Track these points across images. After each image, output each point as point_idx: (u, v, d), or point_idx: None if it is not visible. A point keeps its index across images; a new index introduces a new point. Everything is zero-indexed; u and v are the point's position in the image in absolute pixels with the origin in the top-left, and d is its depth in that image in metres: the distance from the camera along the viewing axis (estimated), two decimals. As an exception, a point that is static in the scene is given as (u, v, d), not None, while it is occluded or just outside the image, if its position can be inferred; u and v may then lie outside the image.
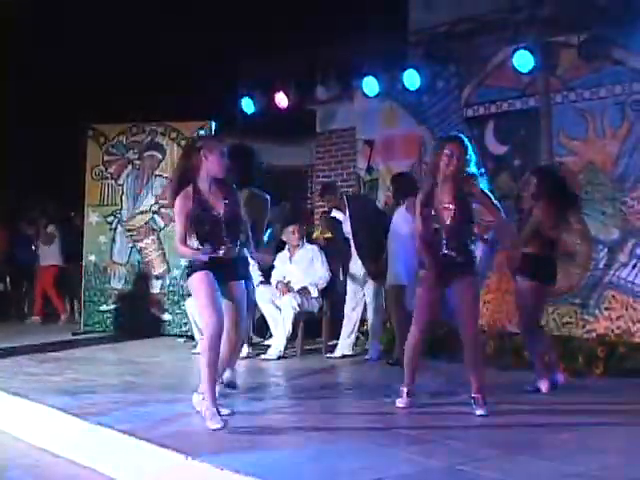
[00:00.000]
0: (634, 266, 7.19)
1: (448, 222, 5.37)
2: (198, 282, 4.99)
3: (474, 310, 5.50)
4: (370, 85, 8.85)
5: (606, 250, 7.39)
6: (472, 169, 5.49)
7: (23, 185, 14.13)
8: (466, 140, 5.50)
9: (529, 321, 6.40)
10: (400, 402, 5.58)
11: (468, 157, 5.45)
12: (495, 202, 5.56)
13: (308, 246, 8.60)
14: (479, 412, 5.29)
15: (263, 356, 8.08)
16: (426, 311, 5.54)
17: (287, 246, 8.56)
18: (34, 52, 13.82)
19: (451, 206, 5.37)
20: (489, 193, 5.58)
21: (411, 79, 8.52)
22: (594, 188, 7.48)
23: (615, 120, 7.37)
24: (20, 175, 14.19)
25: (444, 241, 5.38)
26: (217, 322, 4.90)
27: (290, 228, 8.51)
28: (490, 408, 5.30)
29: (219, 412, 4.86)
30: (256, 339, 8.82)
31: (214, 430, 4.73)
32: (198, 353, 8.44)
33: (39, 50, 13.78)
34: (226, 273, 5.05)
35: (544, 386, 6.28)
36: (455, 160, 5.37)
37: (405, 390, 5.63)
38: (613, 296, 7.28)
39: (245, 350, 8.32)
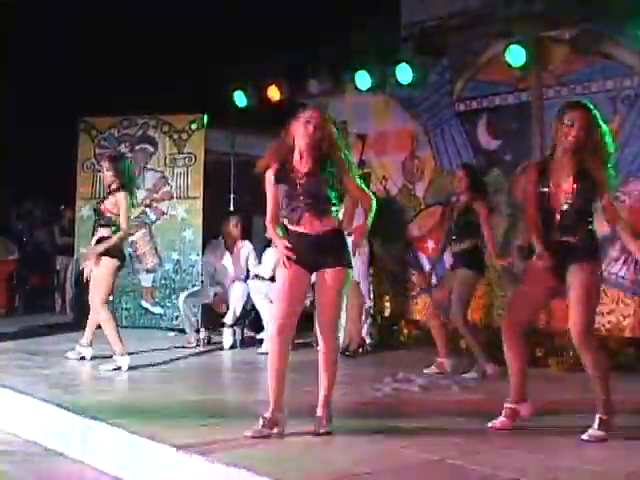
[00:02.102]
0: (625, 261, 7.20)
1: (565, 204, 4.60)
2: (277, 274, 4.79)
3: (581, 302, 4.56)
4: (362, 79, 8.84)
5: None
6: (606, 149, 4.62)
7: (23, 185, 14.12)
8: (592, 108, 4.61)
9: (466, 311, 6.88)
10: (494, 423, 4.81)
11: (595, 128, 4.60)
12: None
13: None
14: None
15: (259, 350, 8.08)
16: (527, 307, 4.83)
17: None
18: (34, 52, 13.78)
19: (570, 186, 4.60)
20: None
21: (403, 73, 8.52)
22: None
23: (607, 115, 7.34)
24: (20, 175, 14.17)
25: (559, 225, 4.62)
26: (283, 320, 4.58)
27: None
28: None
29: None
30: (249, 333, 8.86)
31: (245, 435, 4.45)
32: (190, 347, 8.53)
33: (39, 50, 13.75)
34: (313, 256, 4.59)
35: (491, 369, 6.61)
36: (575, 131, 4.55)
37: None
38: (604, 291, 7.28)
39: (194, 338, 8.55)
